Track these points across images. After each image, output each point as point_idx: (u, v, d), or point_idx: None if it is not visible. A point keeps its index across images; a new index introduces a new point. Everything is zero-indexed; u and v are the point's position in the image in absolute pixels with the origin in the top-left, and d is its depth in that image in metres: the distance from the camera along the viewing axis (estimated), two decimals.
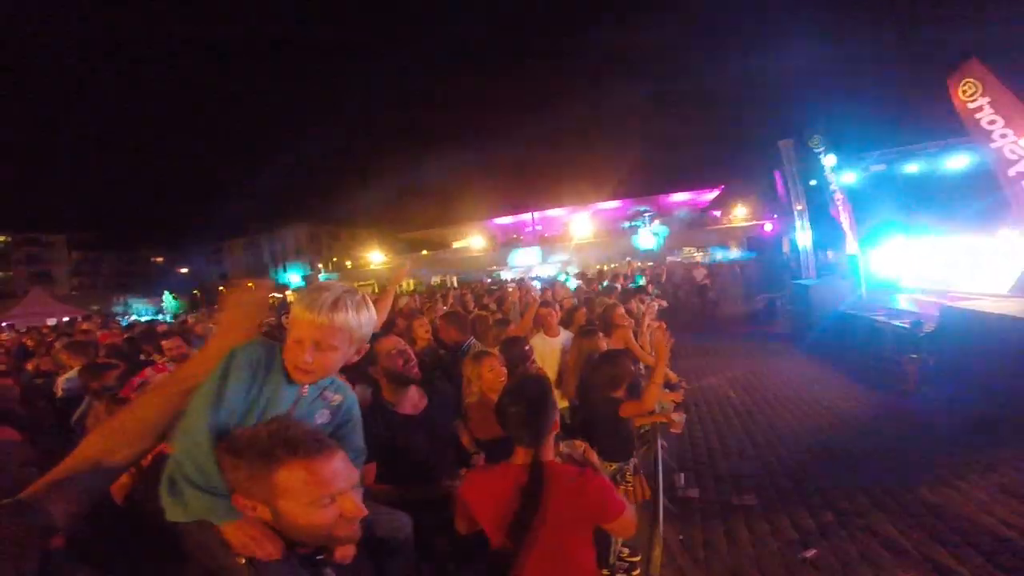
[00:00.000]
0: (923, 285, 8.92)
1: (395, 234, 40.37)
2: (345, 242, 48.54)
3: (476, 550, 1.57)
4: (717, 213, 32.73)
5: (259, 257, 50.25)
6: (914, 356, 6.43)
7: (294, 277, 39.12)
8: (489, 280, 23.14)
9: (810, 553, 3.15)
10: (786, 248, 13.81)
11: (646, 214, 34.11)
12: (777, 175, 13.69)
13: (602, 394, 2.81)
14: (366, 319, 1.24)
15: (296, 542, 1.05)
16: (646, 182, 33.14)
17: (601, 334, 3.60)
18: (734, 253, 22.72)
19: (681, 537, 3.53)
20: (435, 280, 30.69)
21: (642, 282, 11.40)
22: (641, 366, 4.23)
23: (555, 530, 1.39)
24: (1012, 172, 5.84)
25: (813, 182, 12.13)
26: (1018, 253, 6.58)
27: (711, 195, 33.15)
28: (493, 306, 7.02)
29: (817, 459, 4.59)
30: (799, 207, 13.71)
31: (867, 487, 3.90)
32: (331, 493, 1.00)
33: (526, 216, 34.06)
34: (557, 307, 4.76)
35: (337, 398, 1.33)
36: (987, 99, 5.96)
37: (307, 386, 1.24)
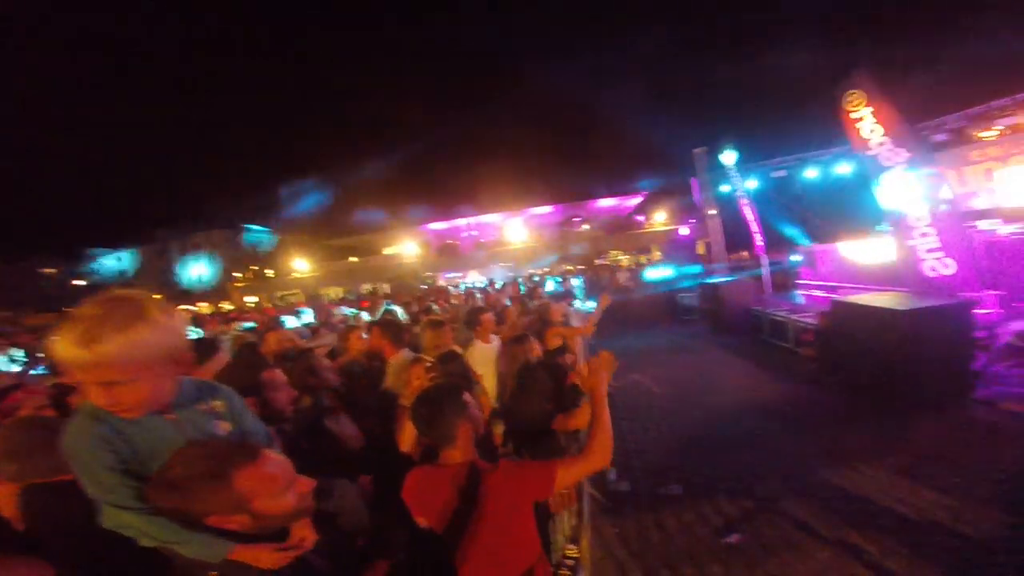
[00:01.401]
0: (818, 281, 9.88)
1: (321, 240, 38.34)
2: (265, 249, 45.46)
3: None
4: (641, 218, 34.35)
5: (169, 266, 45.69)
6: (811, 346, 7.07)
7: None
8: (425, 287, 22.69)
9: (733, 538, 3.34)
10: (701, 250, 14.79)
11: (576, 219, 35.22)
12: (694, 182, 14.60)
13: (537, 406, 2.78)
14: (146, 336, 1.05)
15: (268, 532, 1.15)
16: (577, 188, 34.07)
17: (533, 339, 3.55)
18: (656, 256, 23.97)
19: (617, 530, 3.63)
20: (365, 288, 29.61)
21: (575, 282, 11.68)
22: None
23: (491, 522, 1.45)
24: (884, 178, 6.60)
25: (724, 188, 13.08)
26: (899, 253, 7.37)
27: (635, 201, 34.74)
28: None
29: (733, 447, 4.91)
30: (712, 211, 14.75)
31: (780, 472, 4.22)
32: (284, 481, 1.14)
33: (461, 221, 33.83)
34: (491, 313, 4.73)
35: (219, 404, 1.31)
36: (870, 109, 6.65)
37: (170, 407, 1.19)
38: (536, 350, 3.35)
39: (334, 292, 31.96)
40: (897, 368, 5.21)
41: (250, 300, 33.94)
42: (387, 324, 3.82)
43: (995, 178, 9.83)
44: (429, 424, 1.59)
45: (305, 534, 1.22)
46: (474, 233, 33.89)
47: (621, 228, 33.87)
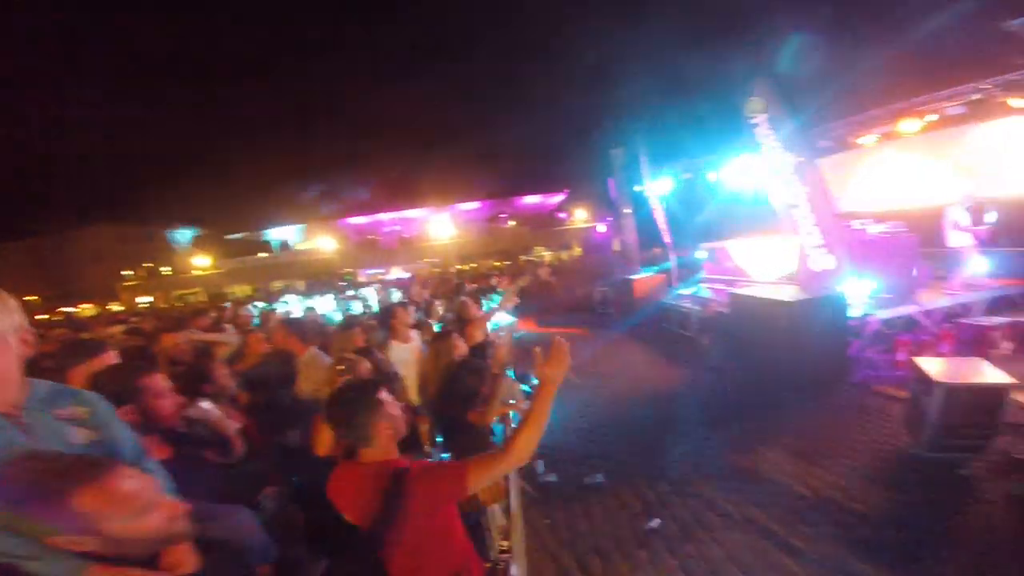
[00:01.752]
0: (719, 275, 10.68)
1: (226, 235, 35.07)
2: (160, 244, 40.75)
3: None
4: (563, 215, 35.40)
5: (47, 267, 39.33)
6: (713, 336, 7.63)
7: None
8: (343, 283, 21.64)
9: (655, 523, 3.48)
10: (617, 247, 15.48)
11: (502, 216, 35.52)
12: (611, 181, 15.21)
13: (462, 404, 2.75)
14: None
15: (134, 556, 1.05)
16: (504, 185, 34.19)
17: (456, 335, 3.49)
18: (576, 252, 24.81)
19: (547, 521, 3.70)
20: (275, 285, 27.72)
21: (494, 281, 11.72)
22: None
23: (412, 523, 1.41)
24: (774, 180, 7.21)
25: (638, 187, 13.76)
26: (789, 249, 8.14)
27: (558, 199, 35.73)
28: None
29: (648, 434, 5.12)
30: (626, 210, 15.47)
31: (690, 457, 4.45)
32: (142, 502, 1.03)
33: (384, 216, 32.72)
34: (411, 309, 4.63)
35: (81, 411, 1.22)
36: (766, 115, 7.21)
37: (19, 410, 1.11)
38: (461, 347, 3.29)
39: (240, 290, 29.62)
40: (786, 355, 5.70)
41: (143, 300, 30.56)
42: (292, 322, 3.64)
43: (867, 182, 11.21)
44: (344, 424, 1.55)
45: (181, 560, 1.13)
46: (397, 228, 32.94)
47: (545, 225, 34.67)
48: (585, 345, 9.65)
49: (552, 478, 4.33)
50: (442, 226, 31.94)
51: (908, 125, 9.42)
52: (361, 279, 26.64)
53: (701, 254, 12.01)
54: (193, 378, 2.46)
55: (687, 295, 10.45)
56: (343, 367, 2.42)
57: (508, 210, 35.68)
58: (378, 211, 32.48)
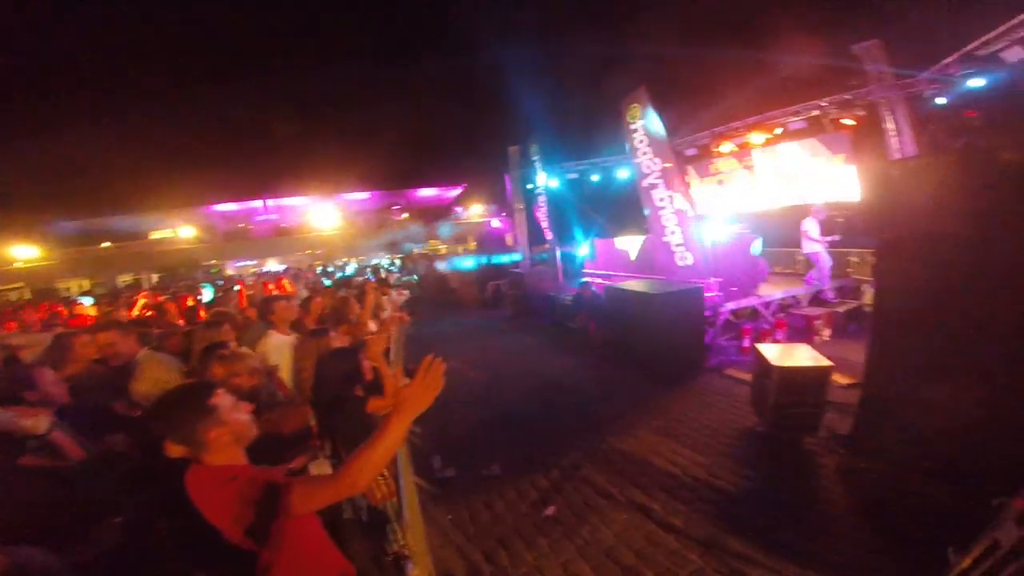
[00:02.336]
0: (599, 270, 11.46)
1: (59, 220, 28.90)
2: None
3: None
4: (460, 209, 35.31)
5: None
6: (593, 326, 8.17)
7: None
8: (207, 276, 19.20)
9: (550, 510, 3.60)
10: (511, 242, 15.88)
11: (395, 207, 34.29)
12: (507, 177, 15.49)
13: (342, 394, 2.68)
14: None
15: None
16: (397, 176, 32.90)
17: (333, 332, 3.31)
18: (472, 246, 24.94)
19: (450, 517, 3.68)
20: (123, 279, 23.77)
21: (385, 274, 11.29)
22: None
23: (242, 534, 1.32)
24: (645, 183, 7.97)
25: (531, 185, 14.21)
26: (656, 246, 8.93)
27: (455, 192, 35.50)
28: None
29: (540, 423, 5.33)
30: (519, 206, 15.90)
31: (578, 443, 4.68)
32: None
33: (256, 203, 29.62)
34: (294, 302, 4.31)
35: None
36: (642, 122, 7.82)
37: None
38: (335, 343, 3.13)
39: (77, 285, 24.85)
40: (654, 342, 6.27)
41: None
42: (125, 322, 3.23)
43: (722, 188, 12.81)
44: (169, 430, 1.49)
45: None
46: (272, 217, 30.09)
47: (440, 218, 34.22)
48: (481, 339, 9.76)
49: (450, 472, 4.34)
50: (326, 216, 29.89)
51: (758, 137, 10.95)
52: (230, 272, 23.94)
53: (584, 250, 12.78)
54: (10, 385, 2.23)
55: (573, 288, 11.07)
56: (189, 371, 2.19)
57: (402, 201, 34.60)
58: (251, 198, 29.32)
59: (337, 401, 2.67)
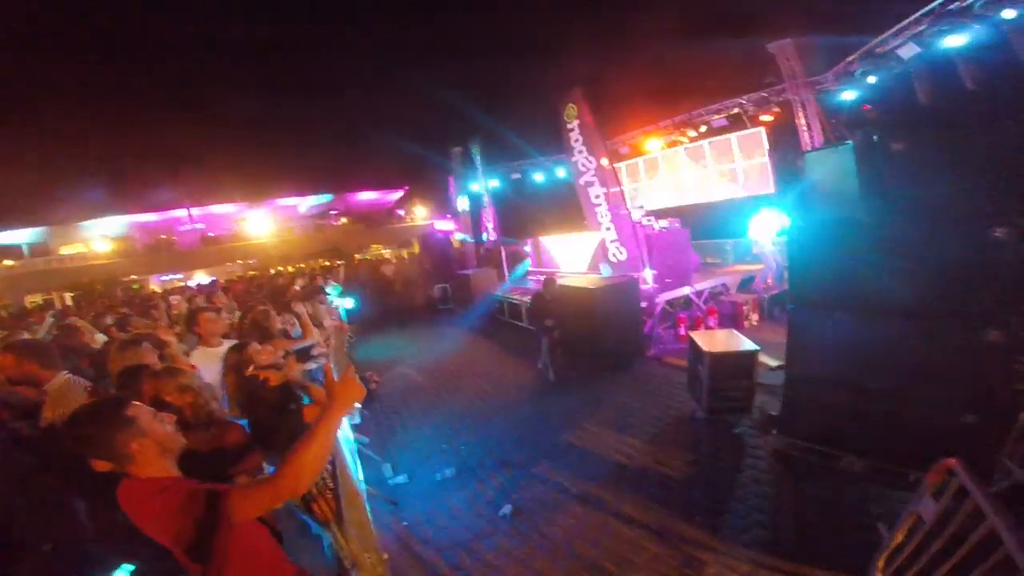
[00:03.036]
0: (542, 268, 11.58)
1: None
2: None
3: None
4: (402, 212, 34.61)
5: None
6: (539, 324, 8.20)
7: None
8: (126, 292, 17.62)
9: (507, 508, 3.60)
10: (456, 243, 15.73)
11: (333, 212, 33.06)
12: (451, 179, 15.35)
13: (275, 408, 2.58)
14: None
15: None
16: (334, 180, 31.62)
17: (256, 345, 3.11)
18: (415, 250, 24.55)
19: (405, 523, 3.63)
20: (32, 300, 21.41)
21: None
22: None
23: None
24: (581, 181, 8.15)
25: (475, 186, 14.17)
26: (590, 242, 9.20)
27: (397, 195, 34.74)
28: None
29: (489, 422, 5.31)
30: (464, 208, 15.80)
31: (530, 440, 4.71)
32: None
33: (180, 212, 27.56)
34: (223, 315, 4.19)
35: None
36: (578, 121, 7.96)
37: None
38: (260, 360, 2.95)
39: None
40: (596, 335, 6.42)
41: None
42: (28, 346, 3.00)
43: (653, 184, 13.33)
44: (88, 445, 1.44)
45: None
46: (199, 226, 28.15)
47: (382, 222, 33.37)
48: (428, 343, 9.58)
49: (402, 479, 4.28)
50: (258, 224, 28.34)
51: (685, 135, 11.48)
52: (154, 287, 22.16)
53: (526, 248, 12.88)
54: None
55: (517, 287, 11.12)
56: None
57: (340, 207, 33.40)
58: (174, 207, 27.24)
59: (269, 416, 2.53)
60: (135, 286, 22.81)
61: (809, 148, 8.57)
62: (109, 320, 5.60)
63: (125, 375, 2.56)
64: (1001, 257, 2.77)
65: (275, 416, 2.56)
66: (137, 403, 1.54)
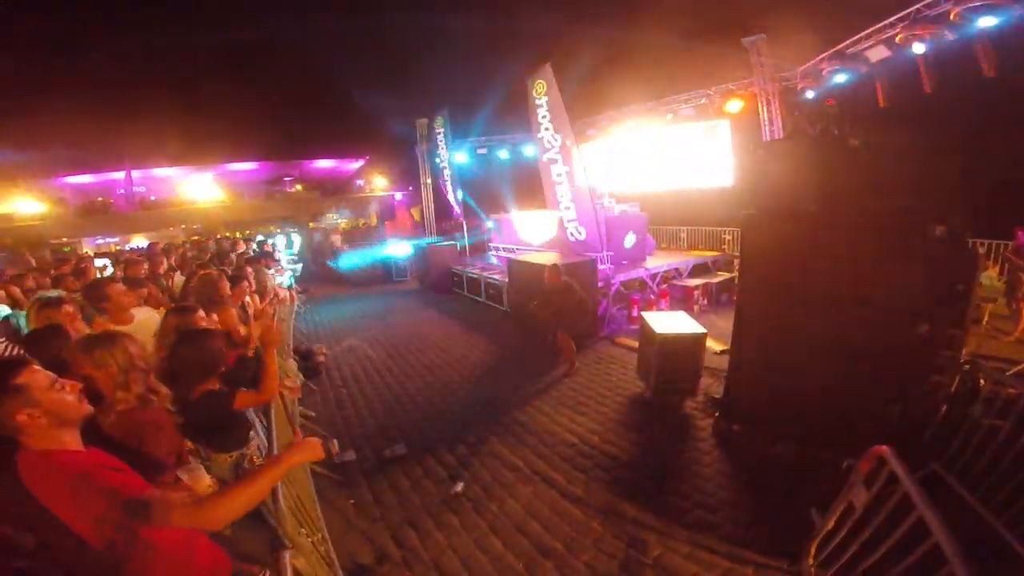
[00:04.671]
0: (504, 244, 11.49)
1: None
2: None
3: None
4: (361, 182, 33.36)
5: None
6: (498, 299, 8.16)
7: None
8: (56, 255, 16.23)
9: (459, 487, 3.56)
10: (416, 215, 15.35)
11: (287, 179, 31.43)
12: (415, 150, 14.87)
13: (196, 388, 2.31)
14: None
15: None
16: (290, 146, 29.79)
17: (202, 311, 2.87)
18: (373, 220, 23.86)
19: (352, 501, 3.51)
20: None
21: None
22: None
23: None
24: (545, 158, 8.02)
25: (438, 159, 13.74)
26: (551, 220, 9.13)
27: (356, 165, 33.39)
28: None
29: (443, 399, 5.24)
30: (426, 180, 15.37)
31: (483, 417, 4.67)
32: None
33: (118, 174, 25.40)
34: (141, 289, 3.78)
35: None
36: (547, 98, 7.76)
37: None
38: (202, 323, 2.74)
39: None
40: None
41: None
42: None
43: (616, 167, 13.36)
44: None
45: None
46: (140, 189, 26.15)
47: (339, 191, 32.06)
48: (382, 316, 9.35)
49: (350, 456, 4.13)
50: (203, 188, 26.59)
51: (653, 120, 11.49)
52: (87, 250, 20.55)
53: (489, 224, 12.71)
54: None
55: (477, 262, 10.99)
56: None
57: (294, 173, 31.78)
58: (110, 168, 25.08)
59: (201, 399, 2.32)
60: (66, 248, 21.09)
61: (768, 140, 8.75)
62: (31, 283, 5.15)
63: (35, 336, 2.32)
64: (937, 254, 2.90)
65: (203, 399, 2.35)
66: (35, 368, 1.40)
